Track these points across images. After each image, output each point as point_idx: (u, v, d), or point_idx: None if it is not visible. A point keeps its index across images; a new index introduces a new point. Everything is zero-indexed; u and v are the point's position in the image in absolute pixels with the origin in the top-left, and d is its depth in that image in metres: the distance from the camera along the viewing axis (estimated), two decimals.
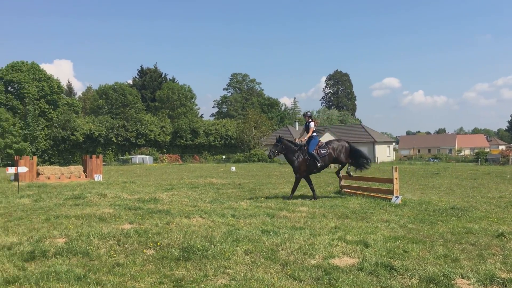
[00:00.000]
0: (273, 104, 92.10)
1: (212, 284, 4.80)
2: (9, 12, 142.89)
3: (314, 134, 12.99)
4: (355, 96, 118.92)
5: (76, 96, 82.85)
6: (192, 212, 9.79)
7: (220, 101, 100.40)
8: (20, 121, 57.87)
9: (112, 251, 6.26)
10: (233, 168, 33.96)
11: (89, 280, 4.94)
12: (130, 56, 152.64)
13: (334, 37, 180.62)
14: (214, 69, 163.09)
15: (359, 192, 13.21)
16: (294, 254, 5.96)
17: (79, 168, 22.87)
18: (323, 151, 12.80)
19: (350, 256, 5.89)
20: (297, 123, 76.64)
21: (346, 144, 13.35)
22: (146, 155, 63.27)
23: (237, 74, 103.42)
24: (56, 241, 6.84)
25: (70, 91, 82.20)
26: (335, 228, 7.83)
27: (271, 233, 7.23)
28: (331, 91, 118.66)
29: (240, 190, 15.90)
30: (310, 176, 12.91)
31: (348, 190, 13.83)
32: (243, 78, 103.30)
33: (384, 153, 66.01)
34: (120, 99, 69.34)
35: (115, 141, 66.46)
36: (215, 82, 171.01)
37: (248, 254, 5.98)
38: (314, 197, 12.45)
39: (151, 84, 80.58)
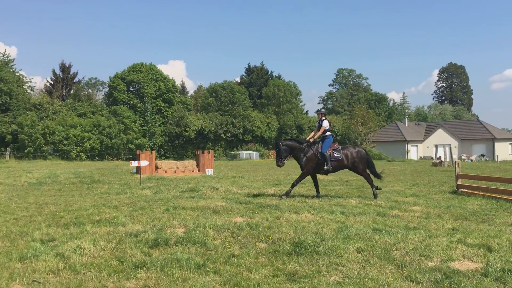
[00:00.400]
0: (381, 99, 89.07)
1: (325, 280, 4.81)
2: (131, 19, 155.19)
3: (328, 133, 12.36)
4: (472, 90, 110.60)
5: (188, 95, 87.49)
6: (300, 207, 9.86)
7: (326, 97, 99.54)
8: (140, 118, 62.65)
9: (227, 242, 6.54)
10: None
11: (207, 269, 5.22)
12: (238, 55, 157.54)
13: (446, 25, 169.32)
14: (319, 65, 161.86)
15: (478, 192, 12.30)
16: (409, 255, 5.75)
17: (193, 162, 24.17)
18: (336, 155, 12.13)
19: (471, 260, 5.53)
20: (406, 119, 73.41)
21: (363, 152, 12.57)
22: (253, 150, 64.91)
23: (343, 69, 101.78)
24: (176, 230, 7.31)
25: (183, 89, 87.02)
26: (453, 230, 7.39)
27: (383, 232, 7.03)
28: (444, 84, 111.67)
29: (347, 187, 15.67)
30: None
31: (466, 190, 12.94)
32: (349, 74, 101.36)
33: (505, 151, 60.62)
34: (228, 96, 71.87)
35: (224, 137, 69.08)
36: (320, 78, 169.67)
37: (360, 252, 5.89)
38: (318, 195, 12.15)
39: (257, 82, 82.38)
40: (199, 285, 4.64)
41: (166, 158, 61.71)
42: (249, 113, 70.91)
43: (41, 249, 6.00)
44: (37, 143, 52.20)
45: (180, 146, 67.52)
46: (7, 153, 52.64)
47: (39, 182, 17.27)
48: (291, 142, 12.43)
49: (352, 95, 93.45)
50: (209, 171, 23.15)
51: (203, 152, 24.34)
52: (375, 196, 11.91)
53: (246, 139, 70.24)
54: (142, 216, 8.74)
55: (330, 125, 12.54)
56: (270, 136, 71.63)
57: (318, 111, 12.88)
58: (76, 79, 70.62)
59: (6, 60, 57.41)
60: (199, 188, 14.10)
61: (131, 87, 66.00)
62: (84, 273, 5.07)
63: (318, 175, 12.74)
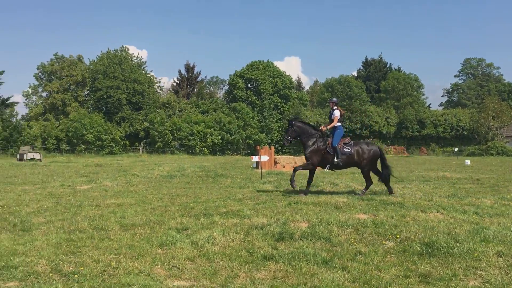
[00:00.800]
0: None
1: (464, 285, 4.52)
2: (249, 18, 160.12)
3: (338, 124, 11.43)
4: None
5: (304, 90, 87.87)
6: (428, 206, 9.35)
7: (451, 89, 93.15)
8: (257, 114, 64.52)
9: (352, 239, 6.45)
10: (468, 162, 31.15)
11: (334, 265, 5.20)
12: (354, 48, 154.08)
13: None
14: (444, 55, 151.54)
15: None
16: None
17: None
18: (346, 150, 11.27)
19: None
20: None
21: (377, 152, 11.41)
22: None
23: (470, 59, 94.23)
24: (299, 225, 7.38)
25: (299, 85, 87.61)
26: None
27: None
28: None
29: (479, 185, 14.50)
30: (320, 172, 11.60)
31: None
32: (477, 63, 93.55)
33: None
34: (345, 91, 70.80)
35: None
36: (444, 69, 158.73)
37: (501, 257, 5.41)
38: (305, 192, 11.38)
39: (375, 75, 79.87)
40: (328, 281, 4.64)
41: (283, 153, 62.70)
42: (366, 107, 69.14)
43: (177, 237, 6.46)
44: (166, 139, 56.43)
45: (297, 141, 67.99)
46: (140, 148, 57.77)
47: (170, 175, 18.64)
48: (304, 126, 11.81)
49: (481, 86, 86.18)
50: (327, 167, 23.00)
51: None
52: (362, 193, 11.32)
53: (363, 135, 68.65)
54: (266, 210, 8.96)
55: (342, 115, 11.81)
56: (389, 131, 69.14)
57: (329, 100, 12.21)
58: (199, 78, 74.83)
59: (139, 63, 62.85)
60: (318, 184, 14.09)
61: (249, 84, 68.22)
62: (217, 262, 5.36)
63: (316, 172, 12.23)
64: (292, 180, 11.67)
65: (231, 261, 5.35)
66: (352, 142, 11.57)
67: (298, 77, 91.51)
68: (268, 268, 5.14)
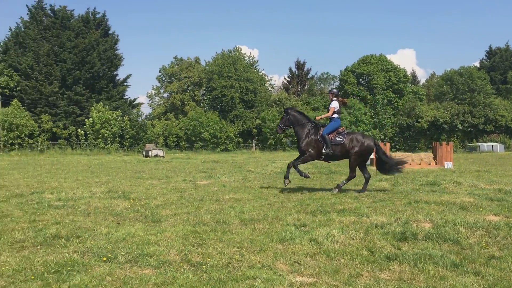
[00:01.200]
0: None
1: None
2: (358, 11, 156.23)
3: (335, 115, 11.30)
4: None
5: (420, 84, 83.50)
6: None
7: None
8: (370, 110, 62.80)
9: (483, 242, 5.98)
10: None
11: (465, 269, 4.86)
12: (476, 37, 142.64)
13: None
14: None
15: None
16: None
17: (429, 155, 22.97)
18: (338, 139, 10.97)
19: None
20: None
21: (371, 144, 11.16)
22: (496, 142, 58.21)
23: None
24: (422, 225, 7.03)
25: (414, 79, 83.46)
26: None
27: None
28: None
29: None
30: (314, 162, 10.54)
31: None
32: None
33: None
34: (466, 83, 65.90)
35: (461, 127, 63.75)
36: None
37: None
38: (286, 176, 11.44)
39: (501, 65, 73.20)
40: (459, 286, 4.35)
41: (397, 150, 60.40)
42: (491, 100, 63.73)
43: (296, 233, 6.51)
44: (277, 136, 57.37)
45: (411, 137, 65.18)
46: (253, 145, 59.53)
47: (283, 171, 18.89)
48: (298, 115, 11.56)
49: None
50: (448, 164, 21.64)
51: (440, 144, 22.90)
52: (338, 187, 11.27)
53: (487, 130, 63.50)
54: (384, 208, 8.69)
55: (340, 107, 11.40)
56: None
57: (329, 92, 11.83)
58: (309, 75, 74.88)
59: (251, 62, 64.69)
60: (439, 182, 13.30)
61: (361, 80, 66.73)
62: (338, 260, 5.30)
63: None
64: (286, 177, 11.51)
65: (352, 260, 5.26)
66: (346, 131, 11.32)
67: (413, 70, 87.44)
68: (392, 268, 4.96)
